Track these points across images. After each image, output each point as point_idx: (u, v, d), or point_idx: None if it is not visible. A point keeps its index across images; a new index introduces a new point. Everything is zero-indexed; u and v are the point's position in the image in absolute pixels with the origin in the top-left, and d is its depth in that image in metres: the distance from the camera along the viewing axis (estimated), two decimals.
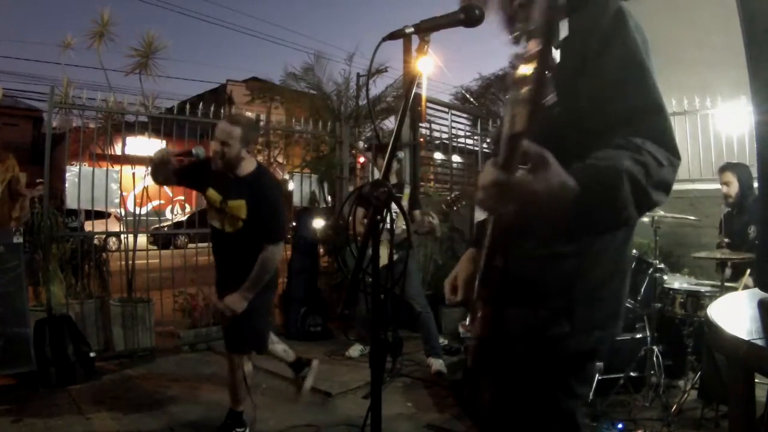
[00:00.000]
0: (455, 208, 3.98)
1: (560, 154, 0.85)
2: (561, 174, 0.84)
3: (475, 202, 1.06)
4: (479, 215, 1.42)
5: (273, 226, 2.70)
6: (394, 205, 1.22)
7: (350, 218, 1.55)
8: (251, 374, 2.87)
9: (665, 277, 3.43)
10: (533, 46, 0.77)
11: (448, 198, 3.97)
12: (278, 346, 3.21)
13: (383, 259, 1.29)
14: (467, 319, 1.42)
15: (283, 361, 3.28)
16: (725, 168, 3.69)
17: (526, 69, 0.78)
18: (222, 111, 5.17)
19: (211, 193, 2.74)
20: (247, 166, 2.73)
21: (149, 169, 2.80)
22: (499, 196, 0.82)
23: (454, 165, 7.20)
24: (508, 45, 1.22)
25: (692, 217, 3.58)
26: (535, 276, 1.14)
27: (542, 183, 0.82)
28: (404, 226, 3.85)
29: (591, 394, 2.83)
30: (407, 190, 4.10)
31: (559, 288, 1.13)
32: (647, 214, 3.17)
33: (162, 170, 2.74)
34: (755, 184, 3.56)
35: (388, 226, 1.24)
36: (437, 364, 3.90)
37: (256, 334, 2.83)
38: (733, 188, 3.59)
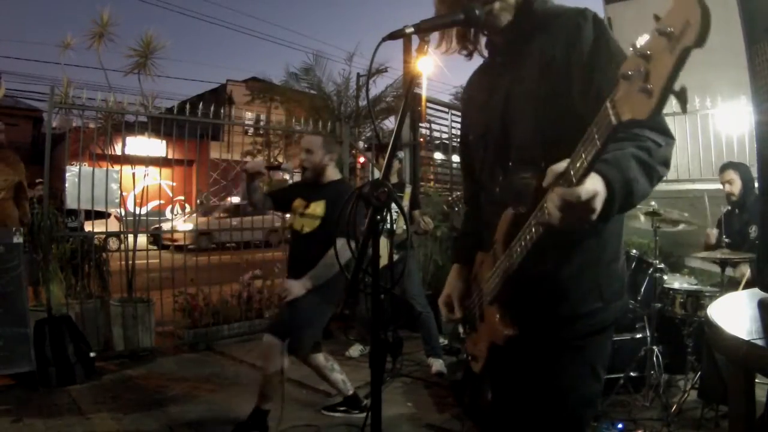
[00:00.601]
0: (456, 208, 3.99)
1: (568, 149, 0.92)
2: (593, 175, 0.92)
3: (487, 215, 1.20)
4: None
5: (342, 221, 2.76)
6: (394, 205, 1.23)
7: (352, 213, 1.55)
8: (284, 372, 2.82)
9: (665, 277, 3.43)
10: None
11: (449, 198, 3.97)
12: (337, 374, 3.11)
13: (384, 259, 1.30)
14: (464, 329, 1.45)
15: (337, 391, 3.16)
16: (727, 167, 3.68)
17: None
18: (222, 111, 5.17)
19: (296, 203, 3.00)
20: (331, 175, 3.01)
21: (245, 185, 3.01)
22: (572, 213, 0.90)
23: (454, 165, 7.19)
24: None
25: (689, 217, 3.57)
26: (560, 263, 1.21)
27: (590, 192, 0.89)
28: (405, 227, 3.86)
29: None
30: (408, 190, 4.10)
31: (583, 268, 1.21)
32: (648, 216, 3.19)
33: (254, 188, 2.95)
34: (756, 183, 3.57)
35: (389, 226, 1.25)
36: (437, 364, 3.91)
37: (296, 329, 2.81)
38: (736, 186, 3.58)
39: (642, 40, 0.76)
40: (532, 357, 1.25)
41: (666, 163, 1.06)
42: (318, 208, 2.89)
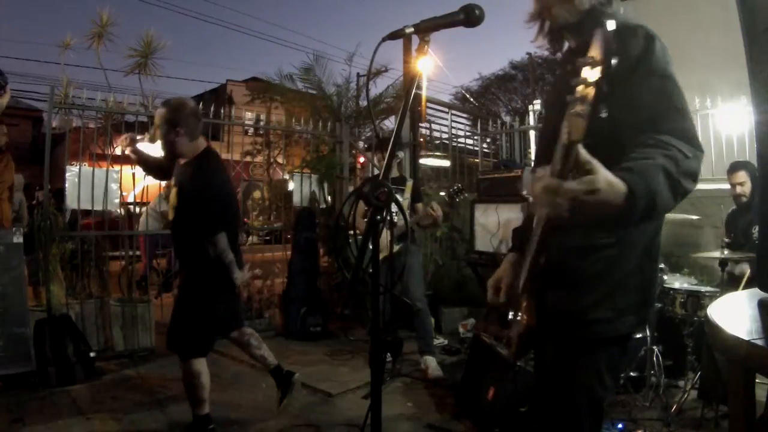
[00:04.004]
0: (457, 200, 3.95)
1: (600, 155, 0.97)
2: (608, 176, 0.96)
3: (530, 207, 1.27)
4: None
5: (199, 219, 2.56)
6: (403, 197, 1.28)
7: (351, 214, 1.57)
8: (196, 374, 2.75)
9: (665, 277, 3.43)
10: (590, 71, 0.93)
11: (450, 190, 3.93)
12: (257, 351, 3.06)
13: (384, 251, 1.33)
14: (510, 316, 1.50)
15: (264, 366, 3.12)
16: (738, 167, 3.61)
17: (582, 90, 0.93)
18: (222, 111, 5.17)
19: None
20: (186, 152, 2.61)
21: (137, 162, 2.90)
22: (553, 200, 0.94)
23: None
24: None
25: (694, 217, 3.58)
26: (577, 266, 1.25)
27: (590, 185, 0.93)
28: (410, 219, 3.85)
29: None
30: (410, 183, 4.08)
31: (600, 276, 1.25)
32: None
33: (141, 161, 2.81)
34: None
35: (391, 218, 1.27)
36: (432, 365, 3.87)
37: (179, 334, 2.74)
38: (747, 187, 3.54)
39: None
40: (550, 352, 1.33)
41: (692, 177, 1.08)
42: (173, 196, 2.63)
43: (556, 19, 1.32)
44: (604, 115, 0.96)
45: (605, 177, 0.95)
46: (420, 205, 4.03)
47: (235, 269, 2.64)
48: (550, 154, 1.29)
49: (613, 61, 0.92)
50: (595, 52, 0.94)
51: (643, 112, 1.14)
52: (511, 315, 1.54)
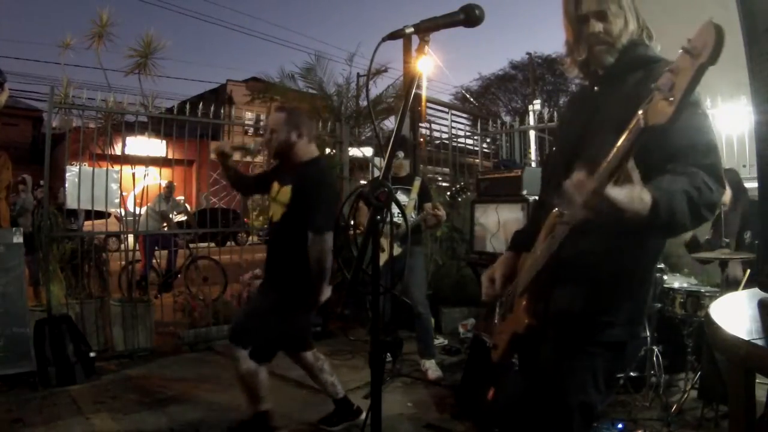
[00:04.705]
0: (459, 199, 3.93)
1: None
2: (641, 189, 1.02)
3: (562, 204, 1.24)
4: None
5: (315, 212, 2.53)
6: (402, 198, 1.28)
7: (352, 213, 1.58)
8: (256, 371, 2.63)
9: (665, 277, 3.43)
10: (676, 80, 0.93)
11: (453, 188, 3.92)
12: (327, 376, 2.88)
13: (386, 254, 1.33)
14: (483, 317, 1.52)
15: (326, 394, 2.92)
16: None
17: (672, 77, 0.92)
18: (222, 111, 5.17)
19: (273, 186, 2.72)
20: (302, 154, 2.67)
21: (223, 170, 2.83)
22: (588, 201, 0.99)
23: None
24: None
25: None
26: (591, 268, 1.28)
27: (626, 194, 1.00)
28: (414, 218, 3.81)
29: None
30: (417, 182, 3.98)
31: (612, 280, 1.28)
32: None
33: (227, 168, 2.78)
34: (747, 185, 3.57)
35: (392, 220, 1.27)
36: (432, 368, 3.87)
37: (253, 332, 2.62)
38: (727, 195, 3.59)
39: (676, 57, 0.93)
40: (546, 352, 1.34)
41: (711, 209, 1.15)
42: (286, 193, 2.62)
43: (599, 61, 1.38)
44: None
45: (641, 190, 1.02)
46: (428, 205, 3.93)
47: (327, 282, 2.57)
48: (562, 173, 1.29)
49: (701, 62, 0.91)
50: (698, 42, 0.91)
51: (680, 142, 1.18)
52: (498, 316, 1.55)
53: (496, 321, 1.56)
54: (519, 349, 1.42)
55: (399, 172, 4.04)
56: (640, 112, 0.95)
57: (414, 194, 3.93)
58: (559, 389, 1.31)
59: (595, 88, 1.46)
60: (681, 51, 0.90)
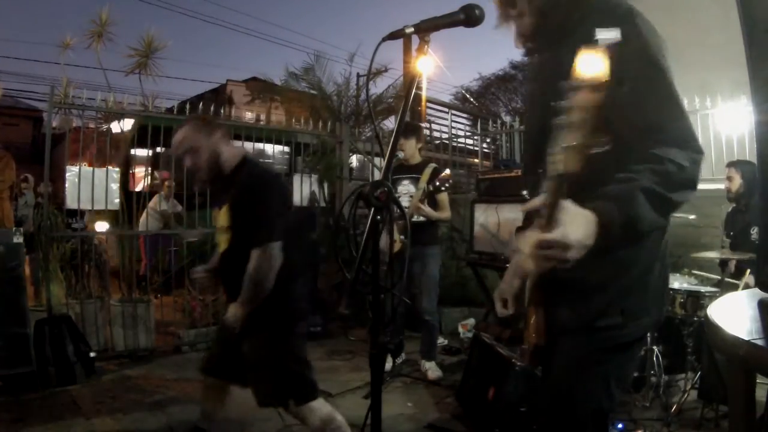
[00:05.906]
0: (443, 189, 3.74)
1: (596, 172, 1.00)
2: (582, 212, 1.02)
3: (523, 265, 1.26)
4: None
5: (254, 225, 2.13)
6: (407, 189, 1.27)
7: (351, 213, 1.57)
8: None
9: None
10: (583, 96, 0.92)
11: (434, 182, 3.74)
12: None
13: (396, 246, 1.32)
14: (520, 325, 1.46)
15: None
16: (730, 164, 3.72)
17: (575, 117, 0.93)
18: (222, 111, 5.16)
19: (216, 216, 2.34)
20: (230, 160, 2.23)
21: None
22: (545, 256, 1.00)
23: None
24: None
25: (692, 216, 3.57)
26: (583, 273, 1.18)
27: (574, 229, 1.00)
28: (418, 216, 3.77)
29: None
30: (428, 169, 3.84)
31: (606, 282, 1.23)
32: None
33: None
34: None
35: (392, 215, 1.26)
36: (432, 369, 3.87)
37: (259, 380, 2.23)
38: (735, 184, 3.61)
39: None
40: (556, 363, 1.29)
41: (688, 185, 1.10)
42: (224, 216, 2.20)
43: (525, 26, 1.27)
44: (599, 150, 0.97)
45: (579, 212, 1.01)
46: (443, 196, 3.81)
47: (255, 303, 2.20)
48: (538, 157, 1.25)
49: (605, 80, 0.91)
50: (584, 72, 0.92)
51: (638, 115, 1.12)
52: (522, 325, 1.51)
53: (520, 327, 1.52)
54: (541, 360, 1.36)
55: (410, 159, 3.95)
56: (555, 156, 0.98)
57: (423, 183, 3.75)
58: (571, 403, 1.27)
59: (541, 54, 1.38)
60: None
